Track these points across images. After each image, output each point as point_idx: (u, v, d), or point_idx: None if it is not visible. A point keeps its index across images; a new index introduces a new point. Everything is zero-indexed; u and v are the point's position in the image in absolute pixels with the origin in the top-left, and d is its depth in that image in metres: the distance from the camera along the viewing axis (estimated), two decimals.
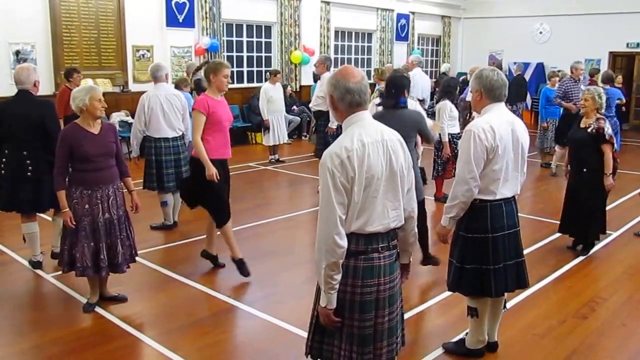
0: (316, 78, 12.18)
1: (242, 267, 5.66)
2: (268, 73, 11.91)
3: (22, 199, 5.50)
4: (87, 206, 4.67)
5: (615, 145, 6.25)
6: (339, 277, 2.82)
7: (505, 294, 4.16)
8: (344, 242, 2.76)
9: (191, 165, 5.64)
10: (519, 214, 4.04)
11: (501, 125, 3.75)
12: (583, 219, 6.26)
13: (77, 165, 4.64)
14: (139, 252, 5.38)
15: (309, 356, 3.14)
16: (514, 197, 3.97)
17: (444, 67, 16.51)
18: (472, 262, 3.93)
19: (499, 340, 4.30)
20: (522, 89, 13.90)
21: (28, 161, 5.43)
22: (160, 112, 6.88)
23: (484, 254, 3.89)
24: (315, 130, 9.88)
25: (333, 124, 8.86)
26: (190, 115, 6.97)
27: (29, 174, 5.44)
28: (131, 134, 7.19)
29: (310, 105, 10.12)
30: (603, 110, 6.14)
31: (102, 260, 4.74)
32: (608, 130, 5.92)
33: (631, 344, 4.54)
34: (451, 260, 4.08)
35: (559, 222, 6.60)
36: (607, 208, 6.52)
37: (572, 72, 10.36)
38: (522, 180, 4.04)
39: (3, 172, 5.49)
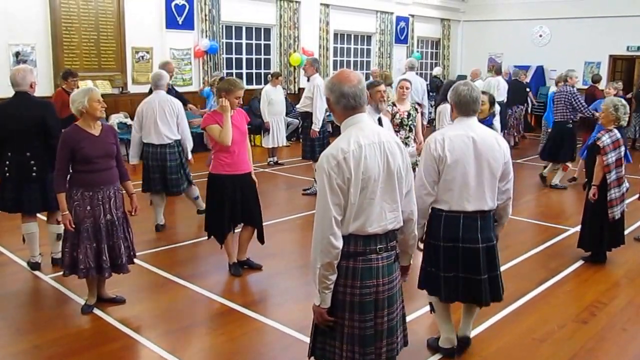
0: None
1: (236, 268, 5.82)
2: (269, 75, 11.92)
3: (29, 199, 5.51)
4: (88, 208, 4.66)
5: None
6: (333, 277, 2.85)
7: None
8: (338, 243, 2.80)
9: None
10: (493, 228, 3.99)
11: (457, 137, 3.78)
12: (584, 229, 6.23)
13: (78, 167, 4.64)
14: (138, 253, 5.38)
15: (312, 357, 3.16)
16: (481, 212, 3.88)
17: (435, 71, 16.52)
18: (429, 264, 4.04)
19: (499, 345, 4.30)
20: (520, 93, 13.80)
21: (32, 162, 5.44)
22: (151, 118, 6.96)
23: (436, 259, 3.96)
24: (301, 132, 9.86)
25: (316, 127, 8.91)
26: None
27: (33, 174, 5.45)
28: (131, 141, 7.28)
29: (297, 106, 10.10)
30: (623, 122, 5.97)
31: (105, 261, 4.74)
32: (604, 142, 5.83)
33: (631, 349, 4.53)
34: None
35: (559, 226, 6.57)
36: None
37: (567, 81, 10.12)
38: (504, 198, 3.95)
39: (7, 174, 5.48)
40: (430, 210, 3.96)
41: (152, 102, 7.00)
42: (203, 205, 7.27)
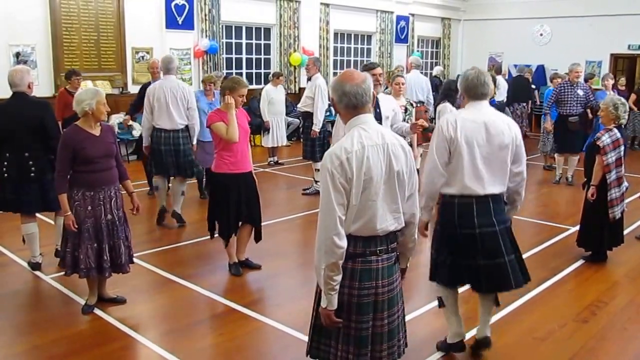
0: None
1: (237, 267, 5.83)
2: (271, 75, 11.93)
3: (28, 200, 5.51)
4: (89, 208, 4.67)
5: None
6: (339, 278, 2.84)
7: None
8: (343, 243, 2.78)
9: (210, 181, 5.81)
10: (505, 211, 4.01)
11: (469, 120, 3.81)
12: (584, 228, 6.23)
13: (79, 167, 4.63)
14: (138, 253, 5.38)
15: (309, 356, 3.16)
16: (493, 196, 3.88)
17: (435, 70, 16.49)
18: (442, 254, 4.02)
19: (500, 344, 4.30)
20: (523, 90, 13.68)
21: (30, 162, 5.45)
22: (163, 104, 7.05)
23: (452, 248, 3.96)
24: (302, 132, 9.85)
25: (316, 127, 8.91)
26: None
27: (32, 174, 5.45)
28: (142, 125, 7.53)
29: (298, 105, 10.10)
30: (623, 121, 5.98)
31: (105, 261, 4.75)
32: (604, 141, 5.82)
33: (632, 348, 4.53)
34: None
35: (559, 225, 6.56)
36: None
37: (568, 75, 10.11)
38: (518, 180, 3.98)
39: (6, 175, 5.48)
40: (441, 198, 3.96)
41: (162, 87, 7.08)
42: (179, 210, 7.32)
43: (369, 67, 5.78)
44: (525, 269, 4.08)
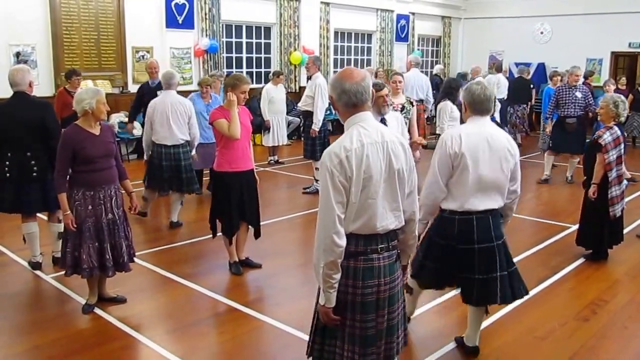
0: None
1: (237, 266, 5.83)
2: (271, 74, 11.93)
3: (29, 200, 5.51)
4: (90, 207, 4.67)
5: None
6: (337, 276, 2.83)
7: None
8: (342, 241, 2.78)
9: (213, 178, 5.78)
10: (500, 226, 4.00)
11: (473, 135, 3.80)
12: (584, 227, 6.22)
13: (79, 167, 4.63)
14: (138, 253, 5.38)
15: (310, 357, 3.15)
16: (491, 210, 3.90)
17: (436, 69, 16.47)
18: (433, 261, 4.06)
19: (500, 343, 4.29)
20: (524, 92, 13.71)
21: (33, 162, 5.44)
22: (163, 120, 7.02)
23: (444, 259, 3.98)
24: (303, 131, 9.86)
25: (316, 126, 8.89)
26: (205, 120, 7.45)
27: (34, 174, 5.45)
28: (143, 139, 7.45)
29: (298, 105, 10.09)
30: (622, 119, 5.98)
31: (108, 260, 4.76)
32: (605, 139, 5.82)
33: (632, 346, 4.53)
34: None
35: (560, 224, 6.55)
36: None
37: (567, 78, 10.07)
38: (512, 197, 3.99)
39: (8, 174, 5.48)
40: (439, 212, 3.96)
41: (163, 103, 7.06)
42: (176, 219, 7.31)
43: (375, 88, 5.76)
44: (518, 283, 4.07)
